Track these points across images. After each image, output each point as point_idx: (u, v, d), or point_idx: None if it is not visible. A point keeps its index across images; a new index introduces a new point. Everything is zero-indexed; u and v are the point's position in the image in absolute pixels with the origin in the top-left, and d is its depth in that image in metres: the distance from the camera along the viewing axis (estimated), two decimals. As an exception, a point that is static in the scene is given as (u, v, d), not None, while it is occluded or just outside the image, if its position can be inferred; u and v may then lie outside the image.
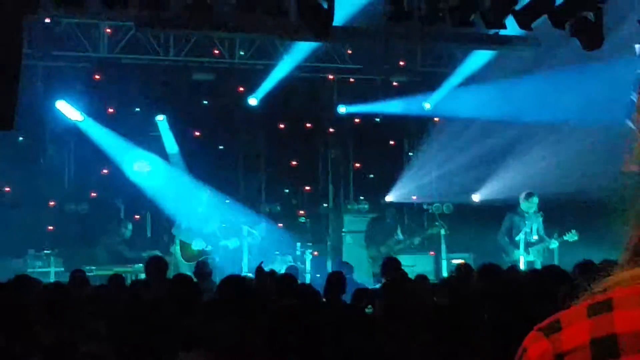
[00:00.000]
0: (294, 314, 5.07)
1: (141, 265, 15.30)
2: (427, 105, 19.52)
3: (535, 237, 16.34)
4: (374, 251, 17.33)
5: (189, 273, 12.87)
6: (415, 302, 5.43)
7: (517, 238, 16.31)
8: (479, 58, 18.25)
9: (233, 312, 6.63)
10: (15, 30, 11.62)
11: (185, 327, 5.72)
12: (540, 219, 16.42)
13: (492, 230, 17.00)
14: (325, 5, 13.23)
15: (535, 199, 16.43)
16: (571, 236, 16.09)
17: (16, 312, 6.09)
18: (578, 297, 1.66)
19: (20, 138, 17.35)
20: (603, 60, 15.29)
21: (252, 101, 18.89)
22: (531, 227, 16.34)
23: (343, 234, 18.80)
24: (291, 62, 18.09)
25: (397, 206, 18.86)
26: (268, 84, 18.48)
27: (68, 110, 17.28)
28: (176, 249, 16.42)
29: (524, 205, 16.50)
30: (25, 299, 6.81)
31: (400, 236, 17.68)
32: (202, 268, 11.92)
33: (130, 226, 17.12)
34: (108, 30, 16.86)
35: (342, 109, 19.80)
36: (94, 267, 15.58)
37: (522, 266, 15.36)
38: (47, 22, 16.17)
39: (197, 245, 16.14)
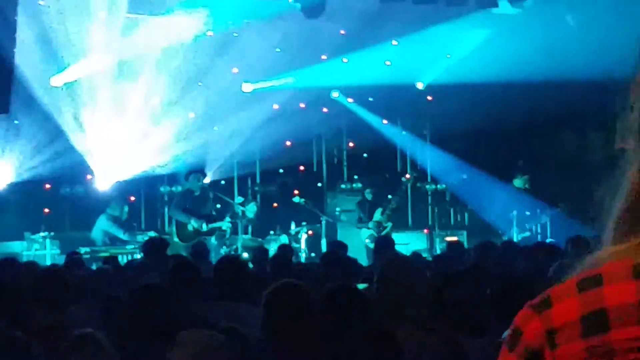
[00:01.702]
0: (289, 294, 5.13)
1: (134, 246, 15.38)
2: (420, 85, 19.56)
3: (527, 213, 16.44)
4: (366, 232, 17.36)
5: (184, 254, 12.92)
6: (410, 279, 5.48)
7: (510, 215, 16.42)
8: (473, 38, 18.28)
9: (229, 293, 6.70)
10: (9, 14, 11.65)
11: (183, 308, 5.78)
12: (530, 197, 16.53)
13: (487, 208, 17.09)
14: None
15: (526, 177, 16.55)
16: (563, 207, 16.21)
17: (4, 296, 6.12)
18: (569, 272, 1.65)
19: (16, 121, 17.34)
20: None
21: (247, 87, 18.93)
22: (523, 204, 16.46)
23: (337, 213, 18.83)
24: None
25: (376, 185, 18.84)
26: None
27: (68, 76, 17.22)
28: (172, 229, 16.43)
29: (516, 182, 16.61)
30: (12, 282, 6.86)
31: (379, 217, 17.56)
32: (199, 249, 11.96)
33: (126, 208, 17.14)
34: (102, 13, 16.82)
35: (335, 94, 19.85)
36: (89, 249, 15.61)
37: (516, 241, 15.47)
38: (40, 5, 16.14)
39: (194, 224, 16.13)
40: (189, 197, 16.51)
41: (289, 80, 19.04)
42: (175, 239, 15.94)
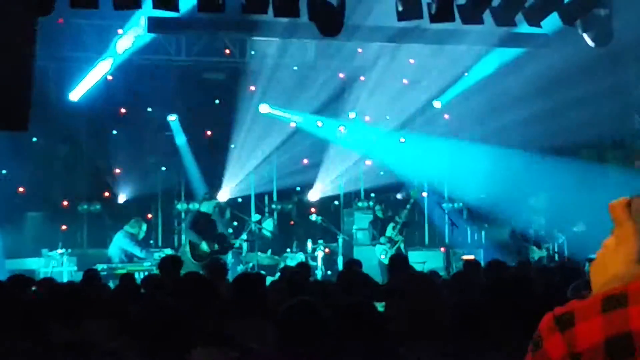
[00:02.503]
0: (306, 312, 5.11)
1: (150, 263, 15.39)
2: (438, 104, 19.56)
3: (542, 232, 16.41)
4: (379, 248, 17.24)
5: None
6: (427, 297, 5.46)
7: (527, 234, 16.40)
8: (493, 59, 18.26)
9: (246, 310, 6.69)
10: (28, 32, 11.70)
11: (199, 326, 5.77)
12: (543, 217, 16.49)
13: (503, 226, 17.04)
14: (336, 4, 13.25)
15: (542, 196, 16.53)
16: (579, 227, 16.17)
17: (16, 312, 6.13)
18: (591, 289, 1.63)
19: (34, 139, 17.42)
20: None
21: (264, 108, 18.97)
22: (539, 223, 16.44)
23: (354, 231, 18.80)
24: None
25: (387, 202, 18.80)
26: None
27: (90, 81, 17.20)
28: (186, 248, 16.35)
29: (531, 201, 16.60)
30: (28, 298, 6.88)
31: (390, 232, 17.42)
32: (217, 266, 11.90)
33: (144, 227, 17.17)
34: (120, 30, 16.88)
35: (352, 115, 19.88)
36: (106, 266, 15.64)
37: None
38: (59, 24, 16.22)
39: (205, 247, 16.10)
40: (203, 220, 16.48)
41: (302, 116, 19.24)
42: (189, 257, 15.92)
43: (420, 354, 5.02)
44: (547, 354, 1.58)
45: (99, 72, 17.13)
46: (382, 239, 17.24)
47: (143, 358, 5.18)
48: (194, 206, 18.29)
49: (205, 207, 16.49)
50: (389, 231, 17.32)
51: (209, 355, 4.50)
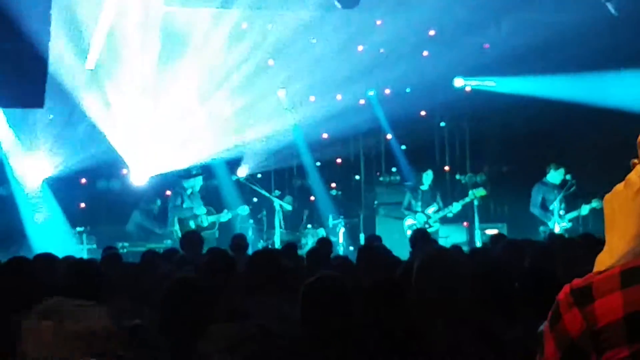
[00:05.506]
0: (329, 287, 5.05)
1: (171, 241, 15.37)
2: (459, 83, 19.42)
3: (562, 206, 16.32)
4: (413, 219, 16.93)
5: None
6: (451, 274, 5.39)
7: (550, 207, 16.28)
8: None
9: (264, 286, 6.63)
10: (43, 10, 11.67)
11: (217, 301, 5.73)
12: (562, 191, 16.35)
13: (527, 200, 16.95)
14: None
15: (562, 170, 16.39)
16: (598, 203, 16.05)
17: (37, 291, 6.10)
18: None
19: (51, 116, 17.40)
20: None
21: (281, 93, 18.94)
22: (558, 198, 16.32)
23: (375, 206, 18.75)
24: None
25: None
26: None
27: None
28: (175, 227, 16.10)
29: (550, 176, 16.47)
30: (49, 276, 6.88)
31: (441, 204, 17.09)
32: (239, 242, 11.87)
33: (159, 202, 17.15)
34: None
35: (370, 93, 19.81)
36: (126, 244, 15.64)
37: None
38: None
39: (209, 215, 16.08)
40: (184, 197, 16.40)
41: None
42: (180, 235, 15.70)
43: (443, 329, 4.96)
44: (565, 329, 1.53)
45: (100, 37, 16.84)
46: (419, 216, 16.83)
47: (160, 333, 5.15)
48: (212, 183, 18.27)
49: (187, 184, 16.35)
50: (431, 212, 16.88)
51: (227, 331, 4.43)
